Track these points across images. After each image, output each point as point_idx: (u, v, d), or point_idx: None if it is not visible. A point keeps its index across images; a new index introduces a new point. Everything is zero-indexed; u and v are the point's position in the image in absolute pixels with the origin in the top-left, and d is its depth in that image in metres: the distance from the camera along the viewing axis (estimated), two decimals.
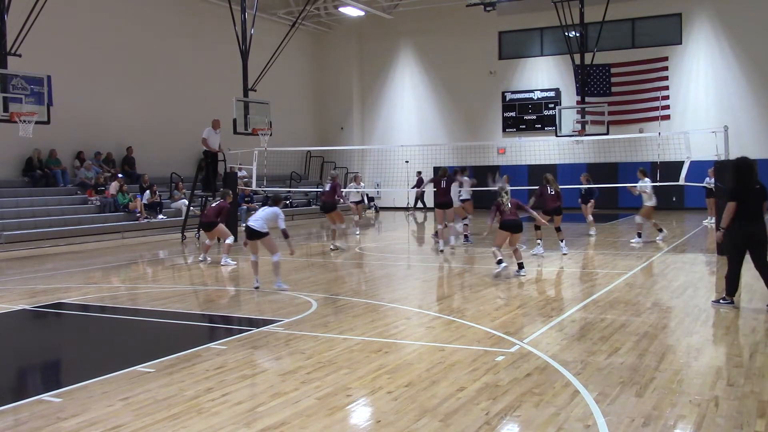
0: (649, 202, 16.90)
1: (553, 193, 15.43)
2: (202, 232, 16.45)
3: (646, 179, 16.91)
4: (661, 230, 17.30)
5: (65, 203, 20.44)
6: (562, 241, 15.00)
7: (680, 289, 10.41)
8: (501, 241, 12.21)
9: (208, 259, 14.56)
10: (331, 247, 16.48)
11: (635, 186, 17.13)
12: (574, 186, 25.31)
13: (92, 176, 21.61)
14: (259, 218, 10.77)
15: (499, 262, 11.87)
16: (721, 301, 9.10)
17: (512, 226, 11.99)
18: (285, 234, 10.64)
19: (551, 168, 29.01)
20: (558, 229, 15.26)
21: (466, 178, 17.96)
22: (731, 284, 8.97)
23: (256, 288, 10.84)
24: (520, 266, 12.02)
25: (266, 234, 10.69)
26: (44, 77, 15.81)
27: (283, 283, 10.87)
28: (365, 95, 34.16)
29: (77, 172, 21.65)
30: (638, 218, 17.11)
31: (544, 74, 30.73)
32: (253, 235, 10.73)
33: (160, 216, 21.72)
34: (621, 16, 27.78)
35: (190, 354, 7.12)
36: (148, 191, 21.79)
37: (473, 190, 18.62)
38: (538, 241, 14.78)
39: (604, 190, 27.41)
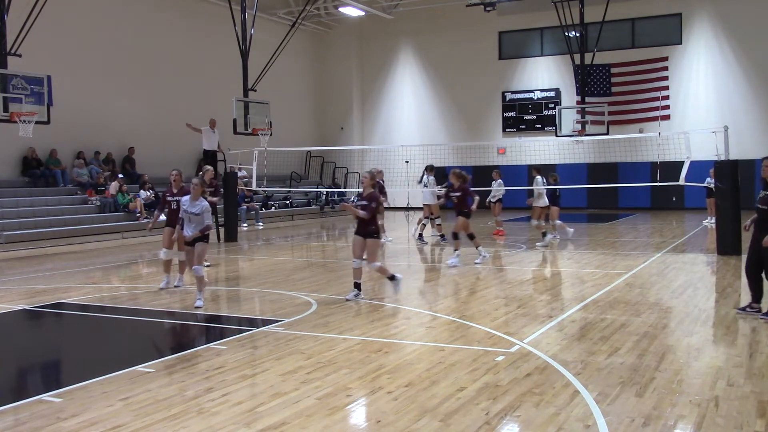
0: (539, 202, 16.58)
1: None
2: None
3: (538, 177, 16.57)
4: (545, 234, 16.49)
5: (65, 203, 20.44)
6: (480, 248, 13.60)
7: (680, 289, 10.41)
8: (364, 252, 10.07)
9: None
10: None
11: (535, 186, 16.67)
12: (574, 186, 25.38)
13: (85, 173, 21.54)
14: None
15: (357, 285, 10.06)
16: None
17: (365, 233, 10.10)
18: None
19: (551, 168, 29.07)
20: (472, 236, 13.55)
21: (432, 177, 18.00)
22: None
23: (176, 286, 11.11)
24: (392, 278, 10.12)
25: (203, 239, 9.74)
26: (44, 77, 15.82)
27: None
28: (365, 95, 34.16)
29: (73, 170, 21.64)
30: (534, 222, 16.69)
31: (544, 74, 30.73)
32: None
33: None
34: (621, 16, 27.79)
35: (190, 354, 7.13)
36: (142, 190, 21.74)
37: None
38: (480, 248, 13.53)
39: (604, 190, 27.58)
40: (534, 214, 16.85)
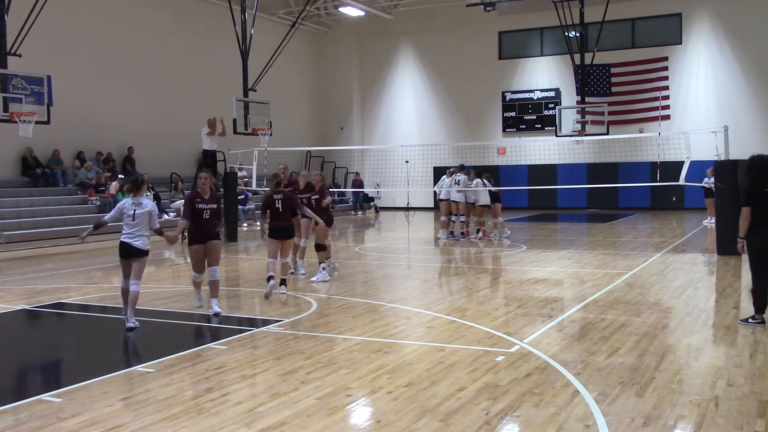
0: (481, 200, 17.59)
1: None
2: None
3: (478, 179, 17.50)
4: (478, 230, 17.83)
5: (65, 203, 20.44)
6: (323, 265, 11.62)
7: (680, 289, 10.41)
8: (274, 251, 10.25)
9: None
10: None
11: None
12: (574, 186, 25.38)
13: (93, 177, 21.61)
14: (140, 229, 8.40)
15: (269, 279, 10.02)
16: (750, 320, 8.00)
17: (282, 232, 10.30)
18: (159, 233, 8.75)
19: (551, 168, 29.13)
20: (323, 248, 11.65)
21: (463, 176, 17.99)
22: (759, 300, 7.95)
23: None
24: (283, 283, 10.24)
25: (145, 253, 8.44)
26: (44, 77, 15.81)
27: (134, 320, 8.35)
28: (365, 95, 34.15)
29: (78, 172, 21.66)
30: (496, 220, 17.86)
31: (544, 74, 30.72)
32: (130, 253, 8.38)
33: (163, 216, 21.72)
34: (621, 16, 27.78)
35: (190, 354, 7.13)
36: None
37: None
38: (322, 265, 11.62)
39: (604, 190, 27.59)
40: (476, 213, 17.90)
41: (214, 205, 9.17)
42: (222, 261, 14.77)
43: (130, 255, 8.31)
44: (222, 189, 20.23)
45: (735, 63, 27.36)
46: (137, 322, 8.22)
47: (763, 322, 7.92)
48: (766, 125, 26.79)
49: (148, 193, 9.25)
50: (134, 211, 8.28)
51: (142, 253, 8.31)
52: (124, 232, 8.34)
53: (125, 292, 8.37)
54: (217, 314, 8.89)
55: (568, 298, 10.21)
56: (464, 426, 5.00)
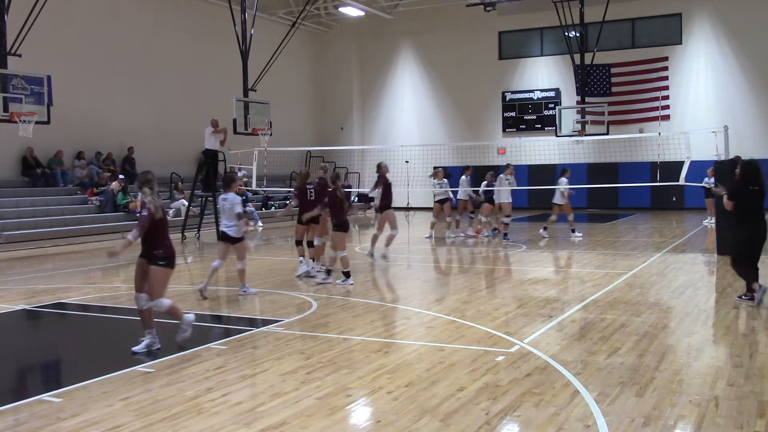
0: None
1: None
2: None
3: (462, 177, 18.45)
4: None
5: (65, 203, 20.44)
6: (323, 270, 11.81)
7: (680, 289, 10.41)
8: (343, 245, 11.33)
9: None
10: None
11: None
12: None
13: (85, 173, 21.52)
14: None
15: (329, 272, 11.41)
16: (743, 296, 9.14)
17: (347, 226, 11.44)
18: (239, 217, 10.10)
19: (551, 168, 29.09)
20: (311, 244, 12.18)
21: (464, 177, 18.13)
22: (753, 276, 8.98)
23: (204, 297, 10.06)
24: (329, 273, 11.45)
25: (241, 239, 10.27)
26: (44, 77, 15.82)
27: (250, 288, 10.57)
28: (365, 95, 34.15)
29: (75, 170, 21.65)
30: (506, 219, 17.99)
31: (544, 74, 30.72)
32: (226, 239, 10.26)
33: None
34: (621, 16, 27.78)
35: (190, 354, 7.13)
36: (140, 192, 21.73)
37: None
38: (322, 266, 11.99)
39: (605, 190, 27.58)
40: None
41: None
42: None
43: (226, 239, 10.24)
44: (222, 189, 20.23)
45: (735, 63, 27.35)
46: (247, 290, 10.36)
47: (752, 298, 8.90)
48: (766, 125, 26.79)
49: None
50: (222, 205, 10.25)
51: (236, 240, 10.16)
52: (222, 222, 10.47)
53: (214, 270, 10.26)
54: (134, 353, 7.16)
55: (568, 298, 10.20)
56: (464, 426, 5.00)
